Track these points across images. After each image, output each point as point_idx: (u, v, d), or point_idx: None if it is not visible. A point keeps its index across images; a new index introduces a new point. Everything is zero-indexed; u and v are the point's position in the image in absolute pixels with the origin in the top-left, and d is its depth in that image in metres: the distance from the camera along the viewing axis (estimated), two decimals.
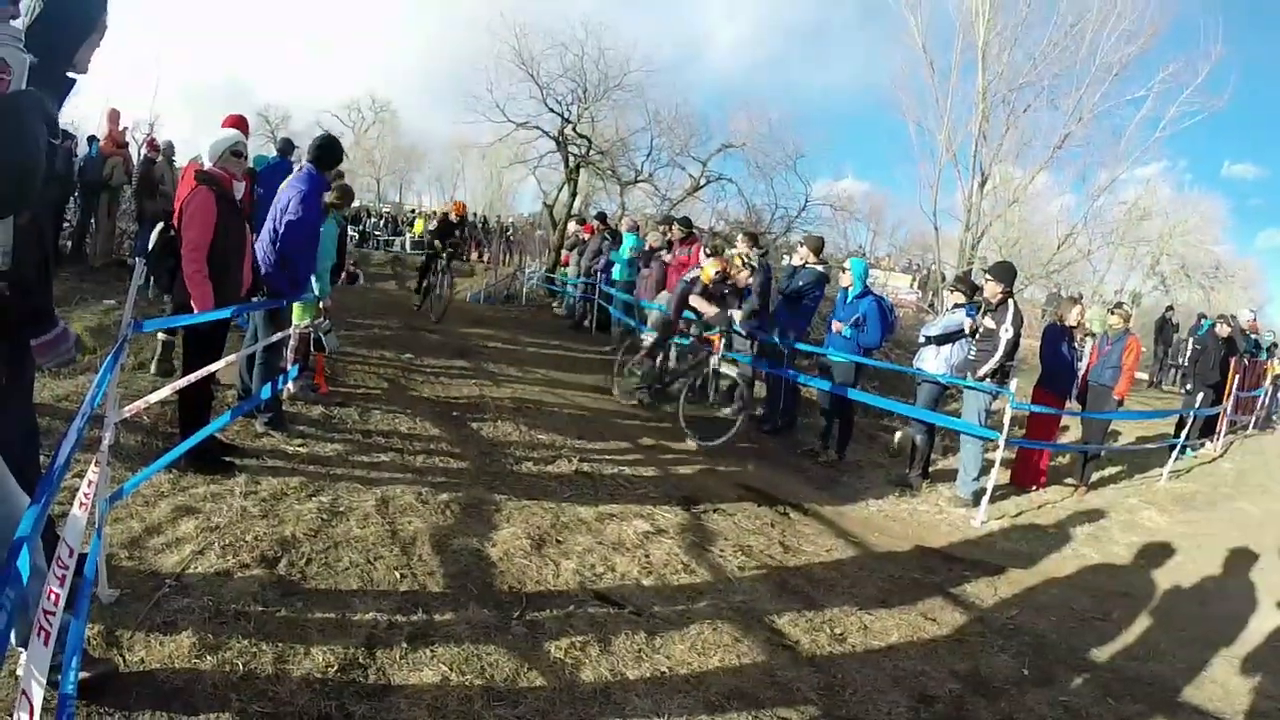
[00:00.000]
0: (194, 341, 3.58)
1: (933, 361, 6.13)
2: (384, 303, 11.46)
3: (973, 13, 15.00)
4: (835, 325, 6.48)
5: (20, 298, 1.73)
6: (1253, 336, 9.93)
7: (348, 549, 2.96)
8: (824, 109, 35.48)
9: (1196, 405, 7.47)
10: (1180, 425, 7.66)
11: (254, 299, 4.05)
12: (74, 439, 1.65)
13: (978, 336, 5.73)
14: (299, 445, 4.14)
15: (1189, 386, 8.62)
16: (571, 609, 2.82)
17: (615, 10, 38.06)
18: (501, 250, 19.02)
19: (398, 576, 2.82)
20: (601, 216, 12.93)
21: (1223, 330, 8.74)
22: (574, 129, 16.46)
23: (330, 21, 44.75)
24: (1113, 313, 7.16)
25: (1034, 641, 3.35)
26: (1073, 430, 7.54)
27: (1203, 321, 11.42)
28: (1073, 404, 6.69)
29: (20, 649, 1.61)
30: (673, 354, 6.97)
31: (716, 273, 6.33)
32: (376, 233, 23.65)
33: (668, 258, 8.91)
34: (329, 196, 5.38)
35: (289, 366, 4.68)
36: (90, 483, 1.82)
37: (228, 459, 3.68)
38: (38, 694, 1.33)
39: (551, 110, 16.48)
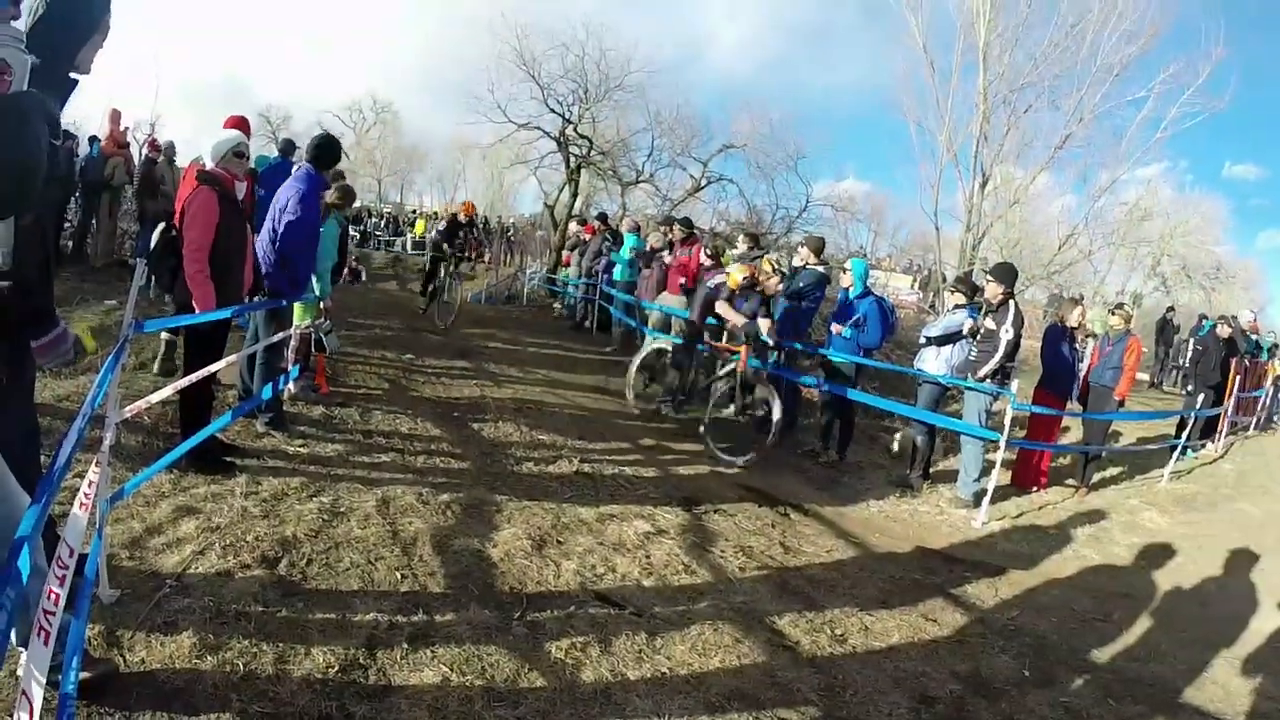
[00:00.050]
0: (195, 342, 3.58)
1: (933, 362, 6.13)
2: (385, 303, 11.47)
3: (973, 13, 15.00)
4: (835, 327, 6.47)
5: (21, 298, 1.73)
6: (1253, 337, 9.92)
7: (348, 549, 2.96)
8: (825, 110, 35.61)
9: (1197, 406, 7.46)
10: (1181, 426, 7.65)
11: (255, 298, 4.06)
12: (75, 439, 1.65)
13: (978, 337, 5.72)
14: (300, 446, 4.14)
15: (1190, 387, 8.62)
16: (572, 609, 2.82)
17: (616, 11, 38.25)
18: (502, 251, 19.03)
19: (398, 577, 2.82)
20: (602, 217, 12.92)
21: (1223, 331, 8.73)
22: (575, 129, 16.46)
23: (330, 21, 45.04)
24: (1113, 313, 7.16)
25: (1035, 642, 3.35)
26: (1073, 431, 7.53)
27: (1204, 322, 11.41)
28: (1074, 405, 6.68)
29: (21, 649, 1.61)
30: (696, 363, 6.60)
31: (744, 279, 6.02)
32: (378, 233, 23.66)
33: (669, 258, 8.90)
34: (331, 197, 5.39)
35: (290, 367, 4.68)
36: (91, 483, 1.82)
37: (228, 459, 3.68)
38: (38, 694, 1.33)
39: (553, 111, 16.49)
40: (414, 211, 30.48)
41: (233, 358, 3.85)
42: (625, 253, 10.52)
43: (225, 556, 2.73)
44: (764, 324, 6.10)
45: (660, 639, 2.70)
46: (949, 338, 6.04)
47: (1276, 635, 3.80)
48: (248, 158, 3.93)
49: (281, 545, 2.89)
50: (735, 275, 6.05)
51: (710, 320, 6.42)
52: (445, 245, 9.92)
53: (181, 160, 9.25)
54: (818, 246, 7.28)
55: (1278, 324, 16.97)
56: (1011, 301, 5.68)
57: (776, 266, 6.31)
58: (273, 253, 4.36)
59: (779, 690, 2.53)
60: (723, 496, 4.69)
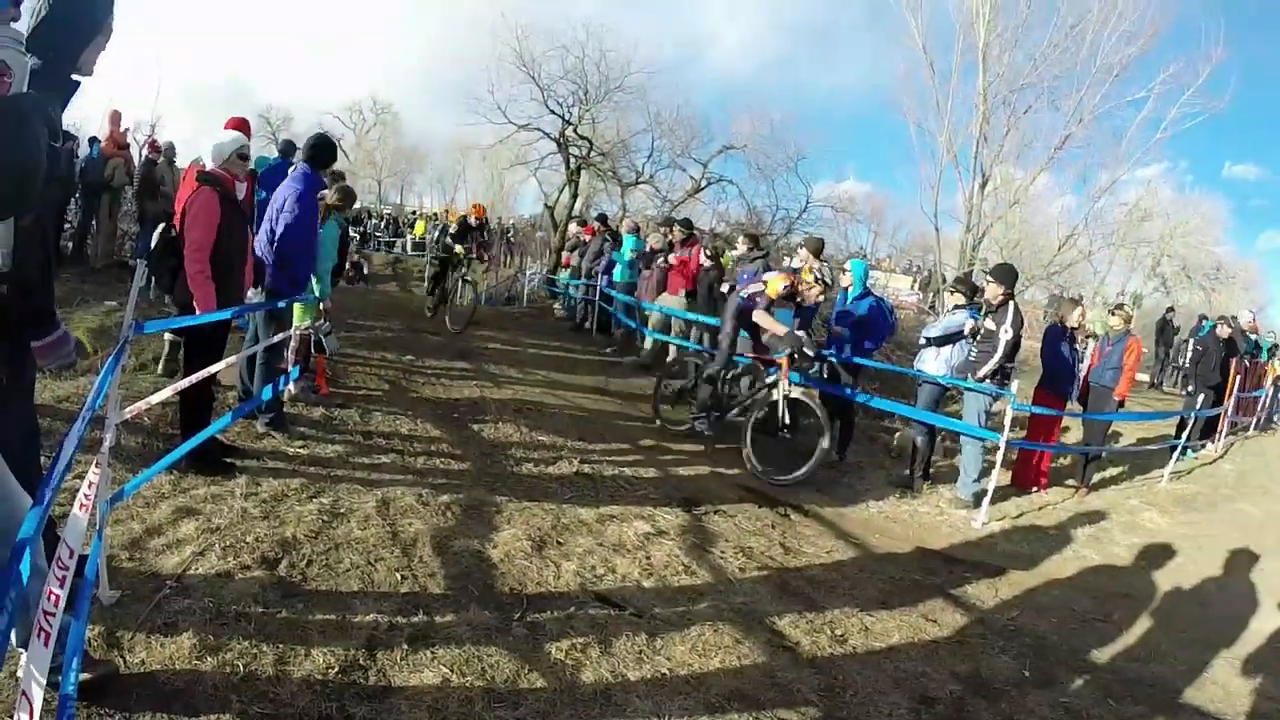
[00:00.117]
0: (195, 343, 3.59)
1: (933, 363, 6.13)
2: (385, 304, 11.47)
3: (973, 14, 15.00)
4: (835, 329, 6.47)
5: (21, 298, 1.73)
6: (1253, 337, 9.93)
7: (348, 550, 2.96)
8: (825, 110, 35.62)
9: (1197, 406, 7.46)
10: (1181, 426, 7.65)
11: (257, 288, 4.07)
12: (75, 440, 1.65)
13: (978, 338, 5.73)
14: (300, 447, 4.14)
15: (1190, 388, 8.62)
16: (572, 610, 2.82)
17: (616, 12, 38.18)
18: (502, 252, 19.02)
19: (398, 578, 2.82)
20: (602, 218, 12.94)
21: (1223, 331, 8.74)
22: (575, 130, 16.46)
23: (331, 22, 45.02)
24: (1113, 314, 7.17)
25: (1035, 643, 3.35)
26: (1074, 431, 7.53)
27: (1203, 323, 11.42)
28: (1074, 405, 6.68)
29: (21, 650, 1.61)
30: (731, 378, 6.16)
31: (785, 287, 5.70)
32: (378, 234, 23.67)
33: (671, 259, 8.91)
34: (331, 198, 5.40)
35: (290, 368, 4.69)
36: (91, 484, 1.82)
37: (228, 460, 3.68)
38: (38, 695, 1.33)
39: (552, 112, 16.49)
40: (414, 213, 30.49)
41: (232, 359, 3.86)
42: (625, 253, 10.53)
43: (225, 557, 2.73)
44: (802, 335, 5.76)
45: (660, 640, 2.70)
46: (949, 338, 6.04)
47: (1276, 635, 3.80)
48: (249, 159, 3.94)
49: (281, 546, 2.89)
50: (775, 284, 5.70)
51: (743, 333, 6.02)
52: (459, 248, 9.70)
53: (181, 161, 9.26)
54: (817, 247, 7.29)
55: (1277, 324, 16.97)
56: (1011, 302, 5.68)
57: (819, 276, 5.91)
58: (271, 253, 4.37)
59: (779, 691, 2.53)
60: (723, 497, 4.69)
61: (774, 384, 5.59)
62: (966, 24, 15.19)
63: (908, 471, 6.11)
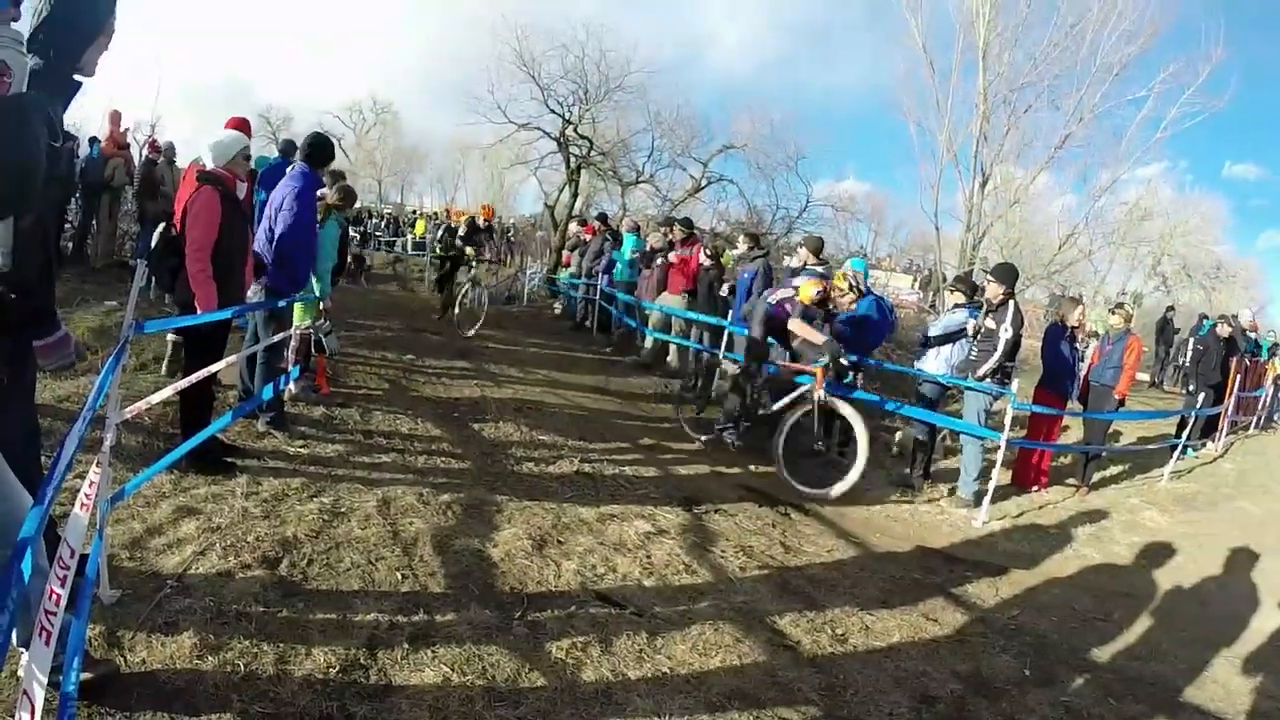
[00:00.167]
0: (195, 342, 3.59)
1: (933, 362, 6.13)
2: (385, 304, 11.47)
3: (973, 13, 15.02)
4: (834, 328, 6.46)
5: (21, 298, 1.73)
6: (1253, 336, 9.93)
7: (349, 550, 2.96)
8: (825, 110, 35.66)
9: (1198, 405, 7.46)
10: (1181, 425, 7.65)
11: (258, 280, 4.09)
12: (76, 440, 1.65)
13: (979, 337, 5.73)
14: (300, 446, 4.14)
15: (1190, 387, 8.62)
16: (573, 609, 2.82)
17: (617, 12, 38.22)
18: (503, 251, 19.03)
19: (399, 577, 2.82)
20: (603, 217, 12.94)
21: (1224, 330, 8.74)
22: (575, 130, 16.46)
23: (331, 22, 45.08)
24: (1113, 313, 7.17)
25: (1035, 642, 3.35)
26: (1074, 430, 7.53)
27: (1204, 322, 11.42)
28: (1074, 404, 6.68)
29: (22, 649, 1.61)
30: (760, 387, 5.89)
31: (818, 293, 5.50)
32: (378, 234, 23.68)
33: (673, 258, 8.91)
34: (332, 197, 5.40)
35: (290, 367, 4.69)
36: (92, 483, 1.82)
37: (229, 460, 3.68)
38: (39, 694, 1.33)
39: (553, 111, 16.49)
40: (414, 212, 30.48)
41: (233, 358, 3.86)
42: (625, 253, 10.53)
43: (226, 557, 2.73)
44: (838, 344, 5.50)
45: (661, 639, 2.70)
46: (949, 337, 6.04)
47: (1277, 634, 3.80)
48: (250, 159, 3.95)
49: (282, 545, 2.89)
50: (807, 290, 5.51)
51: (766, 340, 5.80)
52: (469, 249, 9.59)
53: (181, 161, 9.25)
54: (816, 246, 7.29)
55: (1278, 323, 17.00)
56: (1011, 301, 5.68)
57: (854, 283, 5.74)
58: (270, 252, 4.37)
59: (780, 690, 2.53)
60: (723, 496, 4.69)
61: (808, 393, 5.38)
62: (966, 23, 15.22)
63: (908, 471, 6.11)
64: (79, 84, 1.97)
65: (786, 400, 5.53)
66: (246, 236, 3.77)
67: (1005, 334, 5.53)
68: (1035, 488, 6.24)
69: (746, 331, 6.57)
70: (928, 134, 16.06)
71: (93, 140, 9.26)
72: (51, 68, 1.86)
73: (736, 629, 2.86)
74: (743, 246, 8.44)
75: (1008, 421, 5.27)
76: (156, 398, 2.82)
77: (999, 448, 5.35)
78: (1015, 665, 3.07)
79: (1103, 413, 6.59)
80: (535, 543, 3.33)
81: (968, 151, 15.40)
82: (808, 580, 3.59)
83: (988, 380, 5.56)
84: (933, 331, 6.28)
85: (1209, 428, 8.17)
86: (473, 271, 9.61)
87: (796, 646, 2.88)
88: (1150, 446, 7.45)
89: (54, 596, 1.42)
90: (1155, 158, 16.76)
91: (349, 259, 5.62)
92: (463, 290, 9.65)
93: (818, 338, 5.39)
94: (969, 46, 15.22)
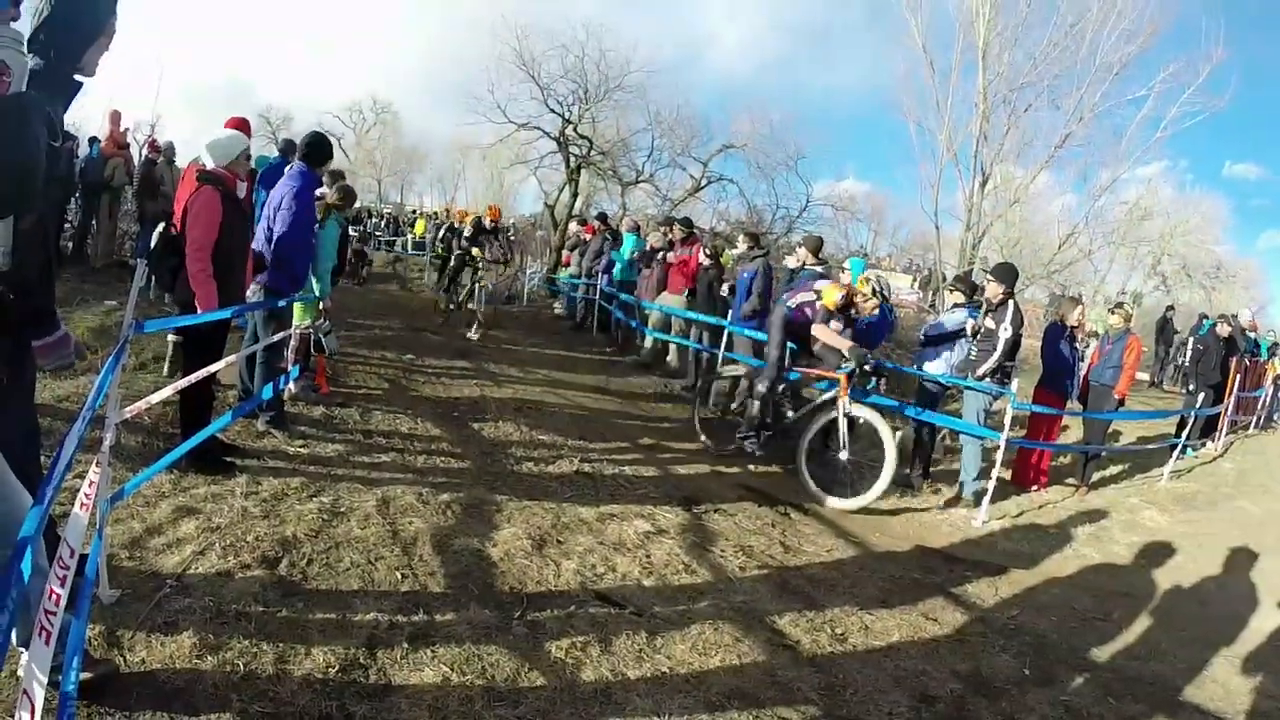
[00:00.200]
0: (195, 342, 3.59)
1: (933, 361, 6.13)
2: (385, 303, 11.47)
3: (973, 13, 15.01)
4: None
5: (21, 298, 1.73)
6: (1253, 336, 9.93)
7: (349, 549, 2.97)
8: (825, 110, 35.61)
9: (1197, 405, 7.46)
10: (1181, 425, 7.65)
11: (258, 276, 4.09)
12: (76, 440, 1.65)
13: (978, 337, 5.73)
14: (300, 446, 4.14)
15: (1190, 386, 8.62)
16: (572, 609, 2.82)
17: (617, 11, 38.19)
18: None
19: (399, 577, 2.83)
20: (602, 217, 12.94)
21: (1223, 330, 8.74)
22: (575, 130, 16.47)
23: (331, 22, 45.05)
24: (1113, 312, 7.17)
25: (1035, 641, 3.35)
26: (1073, 430, 7.53)
27: (1203, 321, 11.42)
28: (1074, 404, 6.68)
29: (22, 649, 1.61)
30: (782, 394, 5.73)
31: (841, 297, 5.36)
32: (378, 234, 23.68)
33: (672, 258, 8.91)
34: (331, 197, 5.40)
35: (289, 367, 4.69)
36: (91, 483, 1.82)
37: (229, 459, 3.68)
38: (39, 694, 1.33)
39: (552, 111, 16.50)
40: (414, 212, 30.49)
41: (232, 358, 3.86)
42: (625, 252, 10.52)
43: (225, 556, 2.73)
44: (865, 350, 5.35)
45: (660, 638, 2.70)
46: (948, 336, 6.04)
47: (1276, 634, 3.80)
48: (250, 159, 3.95)
49: (282, 545, 2.89)
50: (830, 294, 5.35)
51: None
52: (476, 250, 9.49)
53: (181, 161, 9.25)
54: (815, 246, 7.29)
55: (1277, 323, 17.01)
56: (1011, 301, 5.68)
57: (877, 289, 5.58)
58: (269, 251, 4.37)
59: (779, 689, 2.54)
60: (723, 496, 4.69)
61: (832, 401, 5.23)
62: (966, 23, 15.21)
63: (908, 470, 6.11)
64: (79, 84, 1.97)
65: (810, 407, 5.39)
66: (247, 236, 3.78)
67: (1005, 334, 5.53)
68: (1035, 487, 6.24)
69: (765, 336, 6.48)
70: (927, 134, 16.06)
71: (92, 140, 9.26)
72: (52, 68, 1.86)
73: (736, 628, 2.86)
74: (742, 246, 8.44)
75: (1007, 421, 5.27)
76: (156, 397, 2.82)
77: (999, 447, 5.35)
78: (1015, 665, 3.07)
79: (1102, 412, 6.59)
80: (535, 542, 3.33)
81: (967, 151, 15.40)
82: (807, 580, 3.59)
83: (987, 380, 5.56)
84: (933, 330, 6.27)
85: (1209, 427, 8.17)
86: (479, 274, 9.52)
87: (796, 646, 2.88)
88: (1150, 446, 7.45)
89: (54, 596, 1.42)
90: (1155, 157, 16.76)
91: (350, 254, 5.59)
92: (466, 292, 9.59)
93: (843, 343, 5.23)
94: (969, 46, 15.22)
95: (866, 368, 5.28)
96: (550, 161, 17.38)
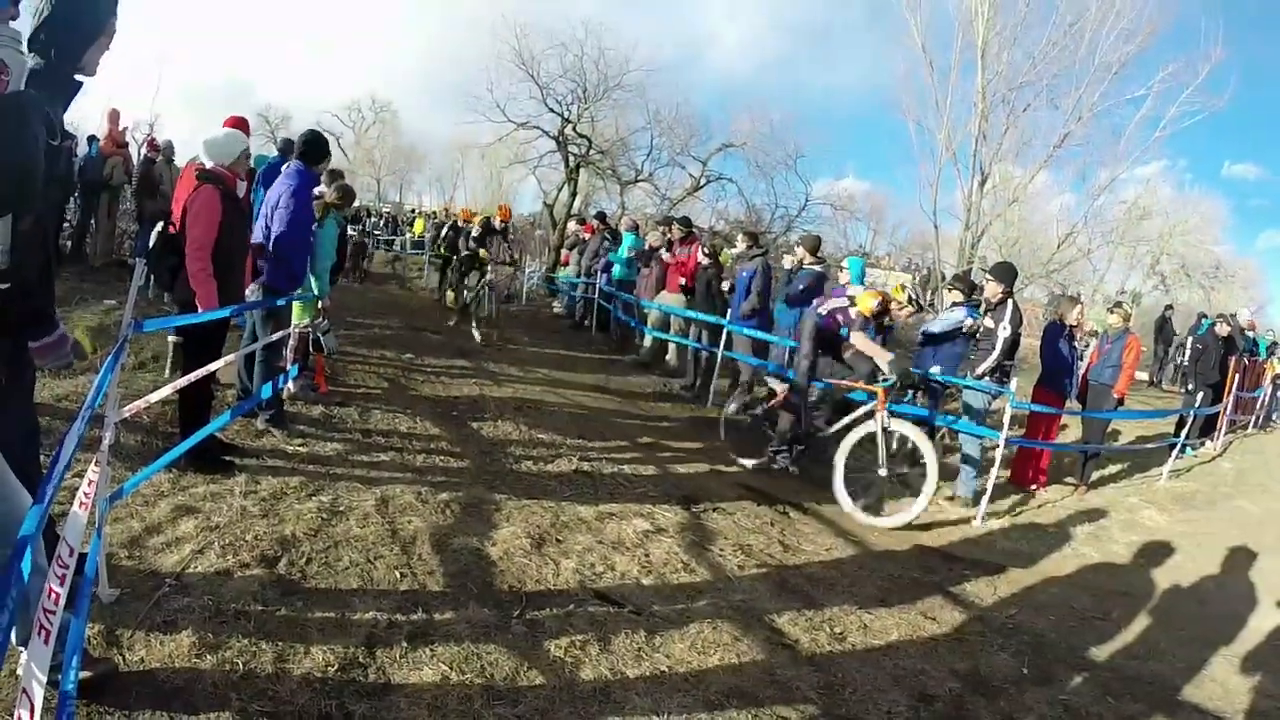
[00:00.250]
0: (194, 341, 3.59)
1: (933, 360, 6.13)
2: (384, 303, 11.45)
3: (972, 12, 15.02)
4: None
5: (21, 298, 1.73)
6: (1251, 336, 9.94)
7: (348, 548, 2.97)
8: (825, 109, 35.52)
9: (1196, 405, 7.47)
10: (1180, 424, 7.66)
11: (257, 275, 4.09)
12: (75, 439, 1.65)
13: (978, 336, 5.74)
14: (299, 445, 4.14)
15: (1189, 386, 8.63)
16: (571, 608, 2.82)
17: (616, 11, 38.15)
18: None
19: (398, 576, 2.83)
20: (601, 216, 12.94)
21: (1222, 330, 8.75)
22: (574, 129, 16.48)
23: (331, 22, 44.91)
24: (1112, 312, 7.17)
25: (1034, 640, 3.36)
26: (1073, 429, 7.54)
27: (1202, 321, 11.43)
28: (1073, 403, 6.69)
29: (21, 648, 1.61)
30: (814, 407, 5.55)
31: (878, 304, 5.22)
32: (377, 233, 23.65)
33: (666, 257, 8.91)
34: (330, 196, 5.40)
35: (288, 366, 4.68)
36: (90, 482, 1.82)
37: (228, 458, 3.68)
38: (38, 693, 1.33)
39: (551, 110, 16.52)
40: (413, 211, 30.45)
41: (231, 357, 3.86)
42: (624, 252, 10.52)
43: (224, 555, 2.73)
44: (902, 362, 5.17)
45: (659, 637, 2.70)
46: (947, 335, 6.05)
47: (1275, 633, 3.80)
48: (250, 158, 3.96)
49: (281, 544, 2.89)
50: (866, 302, 5.19)
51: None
52: (483, 251, 9.41)
53: (180, 160, 9.24)
54: (814, 245, 7.29)
55: (1276, 323, 17.03)
56: (1010, 300, 5.69)
57: (912, 295, 5.43)
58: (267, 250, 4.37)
59: (778, 688, 2.54)
60: (722, 495, 4.70)
61: (868, 414, 5.03)
62: (966, 22, 15.22)
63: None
64: (79, 84, 1.97)
65: (846, 421, 5.22)
66: (246, 235, 3.77)
67: (1004, 333, 5.54)
68: (1034, 486, 6.25)
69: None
70: (927, 133, 16.08)
71: (91, 139, 9.25)
72: (52, 68, 1.86)
73: (735, 627, 2.87)
74: (741, 245, 8.45)
75: (1006, 420, 5.27)
76: (155, 396, 2.82)
77: (998, 446, 5.35)
78: (1013, 664, 3.08)
79: (1101, 412, 6.60)
80: (534, 541, 3.33)
81: (967, 150, 15.43)
82: (806, 579, 3.59)
83: (986, 379, 5.56)
84: (932, 330, 6.27)
85: (1207, 427, 8.18)
86: (487, 275, 9.46)
87: (795, 645, 2.89)
88: (1149, 445, 7.46)
89: (53, 595, 1.42)
90: (1154, 157, 16.81)
91: (349, 249, 5.57)
92: (473, 294, 9.53)
93: (884, 355, 5.05)
94: (968, 46, 15.23)
95: (910, 386, 5.05)
96: (549, 160, 17.43)
